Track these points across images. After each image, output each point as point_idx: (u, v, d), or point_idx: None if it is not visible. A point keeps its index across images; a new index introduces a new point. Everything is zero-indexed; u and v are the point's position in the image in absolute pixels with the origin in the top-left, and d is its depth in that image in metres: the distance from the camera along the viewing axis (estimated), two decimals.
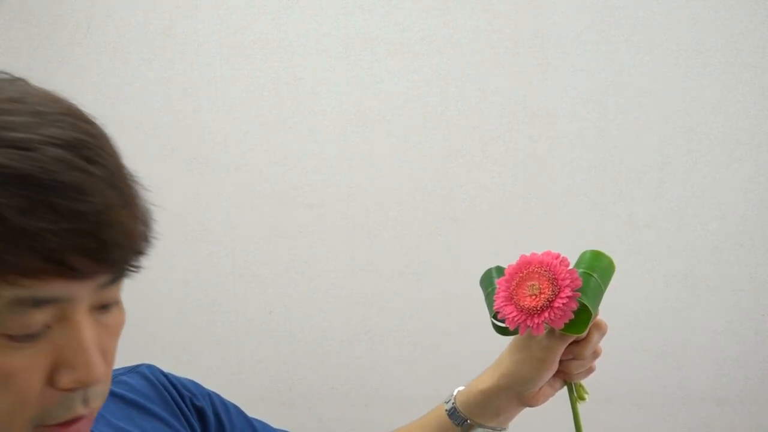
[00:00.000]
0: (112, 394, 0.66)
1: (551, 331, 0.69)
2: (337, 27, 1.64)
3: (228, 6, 1.65)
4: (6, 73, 0.50)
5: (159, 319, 1.68)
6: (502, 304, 0.67)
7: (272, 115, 1.67)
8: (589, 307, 0.65)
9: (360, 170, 1.67)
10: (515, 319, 0.65)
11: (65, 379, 0.48)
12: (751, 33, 1.58)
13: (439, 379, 1.62)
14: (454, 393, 0.78)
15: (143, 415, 0.67)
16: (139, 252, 0.50)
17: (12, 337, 0.46)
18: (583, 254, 0.70)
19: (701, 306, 1.66)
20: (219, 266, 1.69)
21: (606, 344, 1.80)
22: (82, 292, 0.48)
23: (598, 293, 0.67)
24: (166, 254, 1.68)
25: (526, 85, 1.62)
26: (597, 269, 0.68)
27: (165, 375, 0.73)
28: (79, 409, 0.50)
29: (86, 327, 0.49)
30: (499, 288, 0.68)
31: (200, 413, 0.73)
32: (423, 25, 1.63)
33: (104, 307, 0.51)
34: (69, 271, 0.45)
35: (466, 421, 0.75)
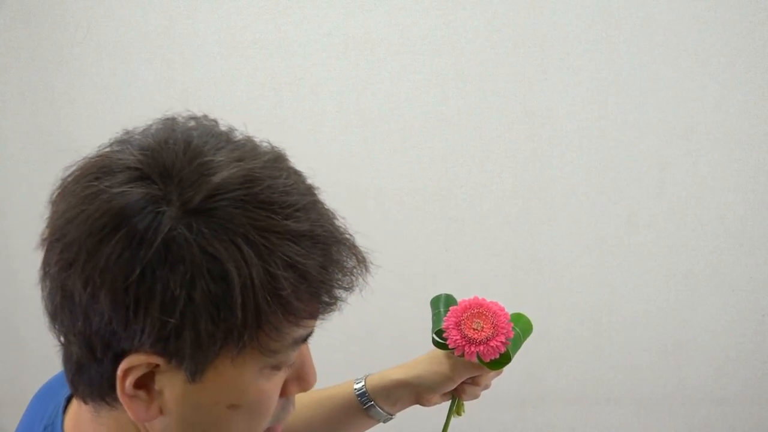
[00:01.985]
0: None
1: (463, 360, 0.86)
2: (337, 27, 1.64)
3: (228, 6, 1.65)
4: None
5: None
6: (450, 328, 0.83)
7: (272, 115, 1.67)
8: (511, 355, 0.84)
9: (360, 170, 1.67)
10: (457, 342, 0.82)
11: (293, 388, 0.61)
12: (751, 33, 1.58)
13: None
14: (364, 377, 0.91)
15: None
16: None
17: (276, 368, 0.57)
18: (513, 314, 0.87)
19: (701, 306, 1.66)
20: None
21: (606, 344, 1.81)
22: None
23: (518, 343, 0.86)
24: None
25: (526, 85, 1.62)
26: (519, 326, 0.86)
27: None
28: (291, 409, 0.62)
29: (307, 345, 0.61)
30: (451, 314, 0.84)
31: None
32: (423, 25, 1.63)
33: None
34: (335, 310, 0.58)
35: (371, 402, 0.88)
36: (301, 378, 0.61)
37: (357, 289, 0.59)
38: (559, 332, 1.67)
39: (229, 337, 0.52)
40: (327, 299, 0.56)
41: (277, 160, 0.59)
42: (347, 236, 0.58)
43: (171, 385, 0.54)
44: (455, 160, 1.66)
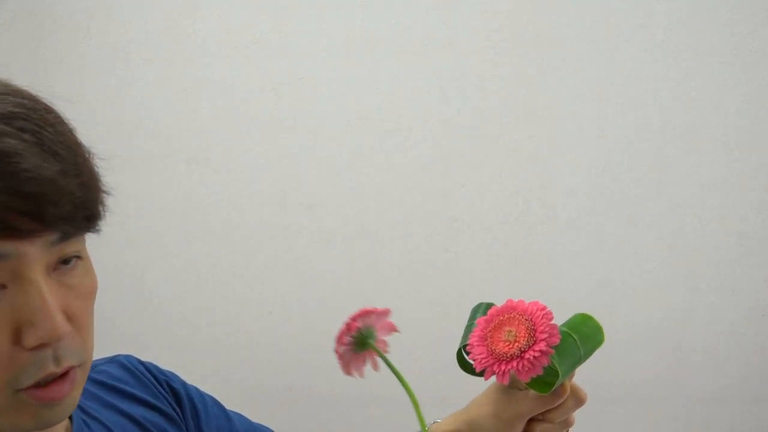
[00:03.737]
0: (94, 381, 0.69)
1: (521, 394, 0.67)
2: (337, 27, 1.64)
3: (228, 6, 1.65)
4: None
5: (159, 319, 1.69)
6: (475, 343, 0.64)
7: (272, 115, 1.67)
8: (557, 368, 0.63)
9: (360, 170, 1.67)
10: (483, 361, 0.63)
11: (30, 338, 0.50)
12: (751, 33, 1.58)
13: (439, 379, 1.62)
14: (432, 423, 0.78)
15: (126, 400, 0.70)
16: (87, 212, 0.53)
17: None
18: (574, 316, 0.68)
19: (701, 306, 1.66)
20: (219, 266, 1.69)
21: (606, 344, 1.80)
22: (32, 251, 0.50)
23: (574, 357, 0.64)
24: (166, 254, 1.68)
25: (526, 85, 1.62)
26: (580, 332, 0.66)
27: (141, 362, 0.76)
28: (51, 368, 0.52)
29: (42, 285, 0.51)
30: (477, 326, 0.65)
31: (176, 395, 0.76)
32: (423, 25, 1.63)
33: (65, 263, 0.53)
34: (9, 230, 0.48)
35: None
36: (35, 323, 0.50)
37: (59, 202, 0.51)
38: None
39: None
40: None
41: None
42: (26, 147, 0.50)
43: None
44: (455, 160, 1.65)
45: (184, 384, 0.78)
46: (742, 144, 1.61)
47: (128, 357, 0.75)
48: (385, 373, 0.91)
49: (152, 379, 0.75)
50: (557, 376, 0.63)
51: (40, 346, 0.51)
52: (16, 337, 0.50)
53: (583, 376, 1.86)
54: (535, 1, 1.60)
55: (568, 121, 1.63)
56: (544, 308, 0.63)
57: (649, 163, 1.63)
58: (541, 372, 0.61)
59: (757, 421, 1.69)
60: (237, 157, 1.68)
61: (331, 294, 1.69)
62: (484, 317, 0.65)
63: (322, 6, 1.64)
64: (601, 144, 1.63)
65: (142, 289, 1.66)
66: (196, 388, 0.80)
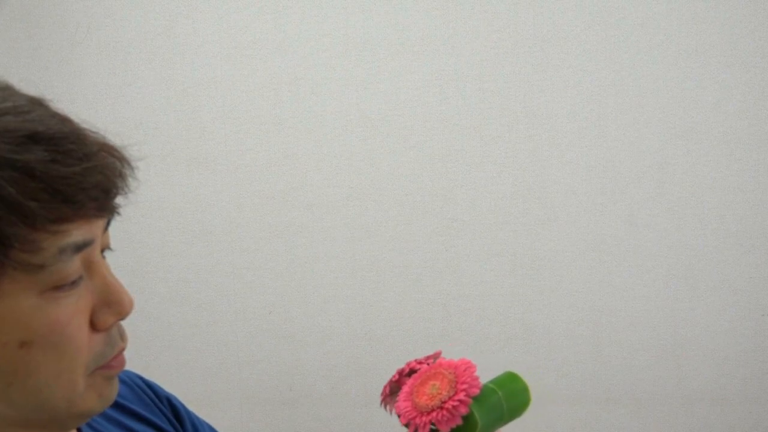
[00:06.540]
0: None
1: None
2: (337, 27, 1.64)
3: (228, 6, 1.65)
4: None
5: (159, 319, 1.69)
6: (402, 399, 0.66)
7: (272, 115, 1.67)
8: (477, 417, 0.63)
9: (360, 170, 1.67)
10: (407, 414, 0.65)
11: (105, 318, 0.54)
12: (751, 33, 1.58)
13: None
14: None
15: (127, 416, 0.70)
16: (125, 190, 0.55)
17: (58, 288, 0.50)
18: (502, 374, 0.70)
19: (701, 306, 1.66)
20: (219, 266, 1.69)
21: (606, 344, 1.81)
22: (98, 233, 0.53)
23: (497, 412, 0.65)
24: (166, 254, 1.68)
25: (526, 85, 1.62)
26: (506, 389, 0.67)
27: (140, 377, 0.74)
28: (120, 343, 0.56)
29: (106, 266, 0.54)
30: (406, 384, 0.67)
31: (176, 412, 0.75)
32: (423, 25, 1.63)
33: (102, 252, 0.56)
34: (92, 211, 0.51)
35: None
36: (111, 302, 0.54)
37: (123, 182, 0.54)
38: (559, 332, 1.67)
39: None
40: (80, 196, 0.49)
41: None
42: (84, 130, 0.53)
43: None
44: (455, 160, 1.66)
45: (183, 405, 0.77)
46: (742, 144, 1.61)
47: (127, 372, 0.73)
48: (385, 372, 0.91)
49: (153, 396, 0.73)
50: (475, 424, 0.63)
51: (112, 325, 0.54)
52: (91, 323, 0.53)
53: (583, 376, 1.86)
54: (535, 1, 1.60)
55: (568, 121, 1.63)
56: (468, 362, 0.65)
57: (649, 163, 1.63)
58: (460, 422, 0.62)
59: (757, 421, 1.69)
60: (237, 157, 1.68)
61: (331, 294, 1.69)
62: (415, 375, 0.67)
63: (322, 6, 1.64)
64: (601, 144, 1.63)
65: (142, 289, 1.66)
66: (194, 413, 0.79)
